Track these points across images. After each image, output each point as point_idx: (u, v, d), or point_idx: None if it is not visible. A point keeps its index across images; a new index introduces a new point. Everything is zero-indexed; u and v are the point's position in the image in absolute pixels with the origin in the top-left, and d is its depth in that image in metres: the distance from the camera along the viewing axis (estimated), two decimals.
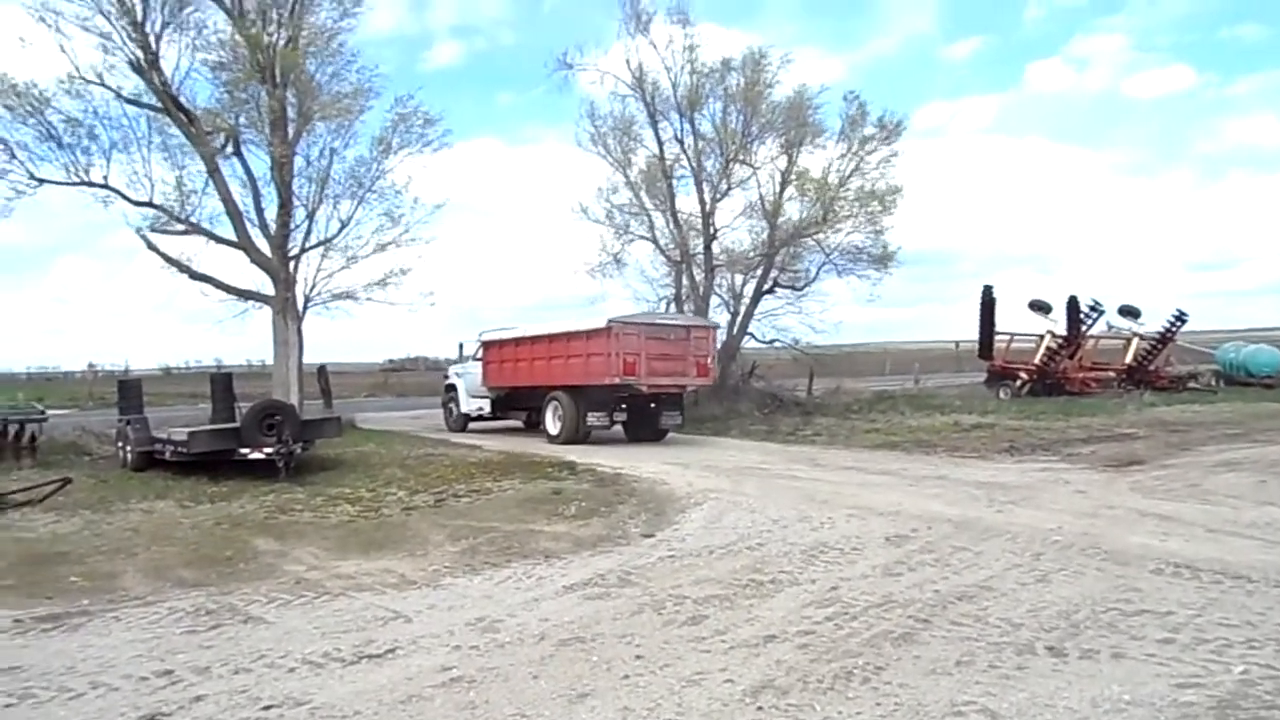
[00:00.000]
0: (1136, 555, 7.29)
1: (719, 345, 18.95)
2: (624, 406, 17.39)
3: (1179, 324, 32.21)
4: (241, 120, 19.11)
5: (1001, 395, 29.00)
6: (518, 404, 20.19)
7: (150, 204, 18.42)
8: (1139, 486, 11.14)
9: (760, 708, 4.33)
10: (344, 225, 20.15)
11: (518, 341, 19.45)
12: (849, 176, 25.12)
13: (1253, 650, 4.93)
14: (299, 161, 19.45)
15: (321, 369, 24.08)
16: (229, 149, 19.11)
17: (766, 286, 26.04)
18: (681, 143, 25.48)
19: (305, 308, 19.93)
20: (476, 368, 20.81)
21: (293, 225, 19.59)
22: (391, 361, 70.78)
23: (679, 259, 25.68)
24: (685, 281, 25.77)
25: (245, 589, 6.88)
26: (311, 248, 19.94)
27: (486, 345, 20.64)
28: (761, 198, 25.88)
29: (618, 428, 18.01)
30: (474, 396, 21.23)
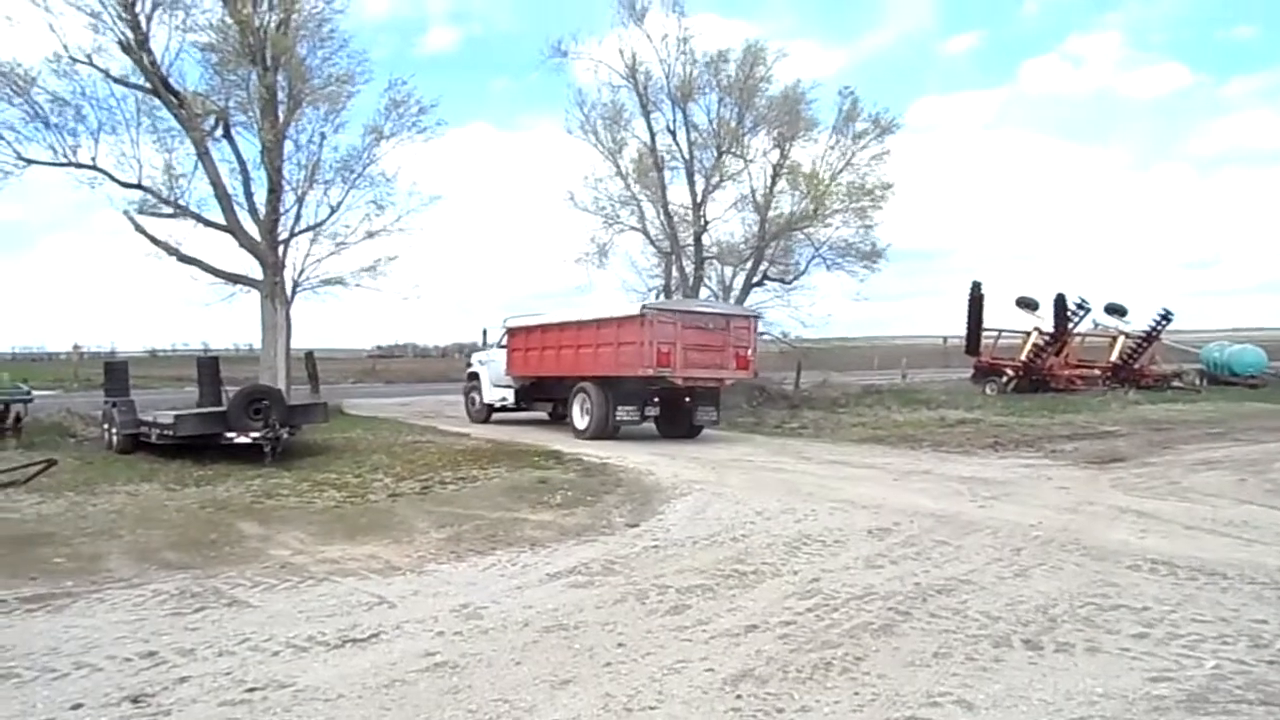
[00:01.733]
0: (1115, 551, 7.38)
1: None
2: (657, 400, 16.28)
3: (1164, 323, 32.45)
4: (231, 103, 19.04)
5: (987, 391, 29.17)
6: (543, 394, 19.11)
7: (139, 186, 18.34)
8: (1120, 483, 11.25)
9: (739, 696, 4.38)
10: (333, 211, 20.13)
11: (544, 328, 18.35)
12: (840, 171, 25.22)
13: (1225, 645, 5.01)
14: (289, 146, 19.40)
15: (309, 354, 24.03)
16: (219, 132, 19.03)
17: (756, 279, 26.11)
18: (674, 133, 25.54)
19: (294, 292, 19.90)
20: (501, 355, 19.77)
21: (282, 210, 19.53)
22: (380, 348, 70.71)
23: (669, 250, 25.73)
24: (675, 273, 25.83)
25: (230, 572, 6.90)
26: (300, 232, 19.91)
27: (511, 332, 19.51)
28: (753, 190, 25.99)
29: (648, 424, 16.85)
30: (498, 386, 20.03)
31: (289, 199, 19.64)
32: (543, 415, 19.74)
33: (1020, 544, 7.70)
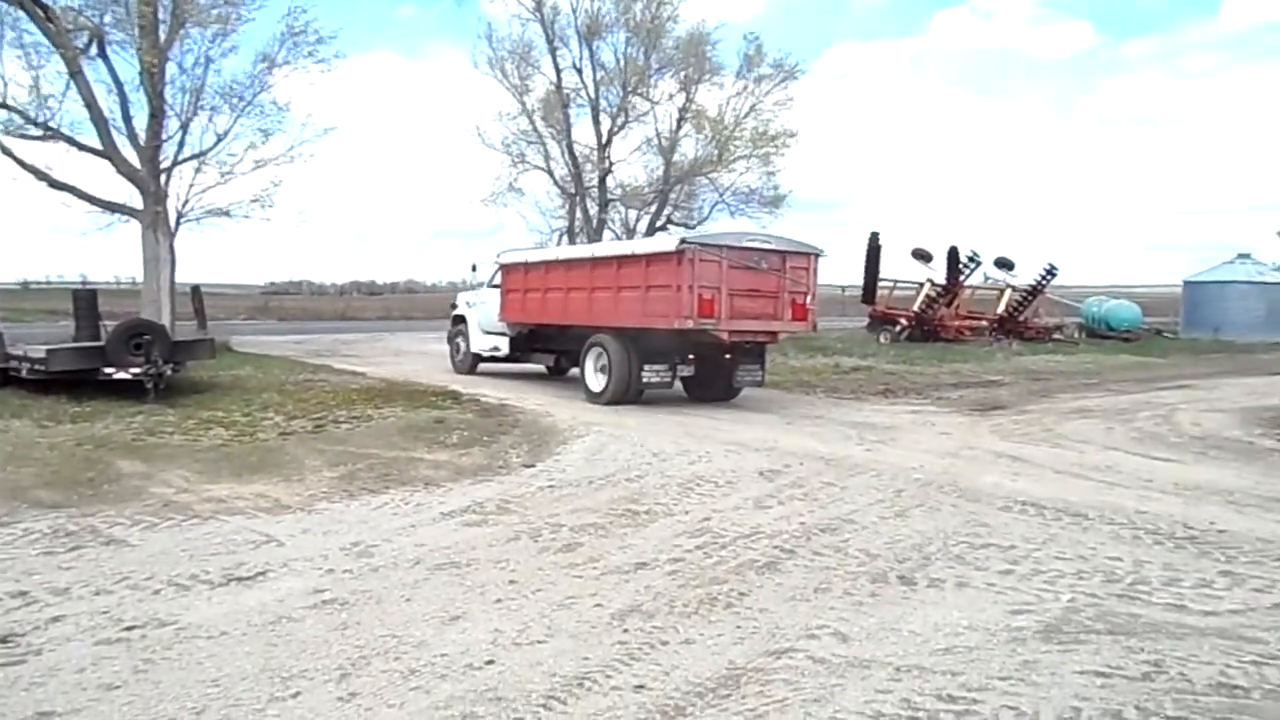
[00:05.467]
0: (988, 493, 7.76)
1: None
2: (691, 358, 13.51)
3: (1049, 277, 33.79)
4: (108, 20, 17.88)
5: (882, 340, 29.94)
6: (545, 345, 16.28)
7: (3, 105, 17.15)
8: (998, 430, 11.79)
9: (626, 630, 4.50)
10: (220, 139, 19.23)
11: (549, 266, 15.40)
12: (745, 116, 25.41)
13: (1081, 581, 5.36)
14: (172, 69, 18.38)
15: (195, 289, 23.04)
16: (93, 50, 17.86)
17: (660, 223, 26.23)
18: (580, 72, 25.31)
19: (178, 223, 19.04)
20: (493, 297, 16.73)
21: (164, 136, 18.54)
22: (273, 284, 68.39)
23: (573, 191, 25.55)
24: (579, 214, 25.70)
25: (108, 511, 6.68)
26: (184, 160, 18.97)
27: (507, 269, 16.39)
28: (658, 133, 26.04)
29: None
30: (489, 333, 17.17)
31: (172, 125, 18.67)
32: (539, 369, 17.38)
33: (902, 486, 8.03)
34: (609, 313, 13.58)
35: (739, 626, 4.57)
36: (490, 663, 4.09)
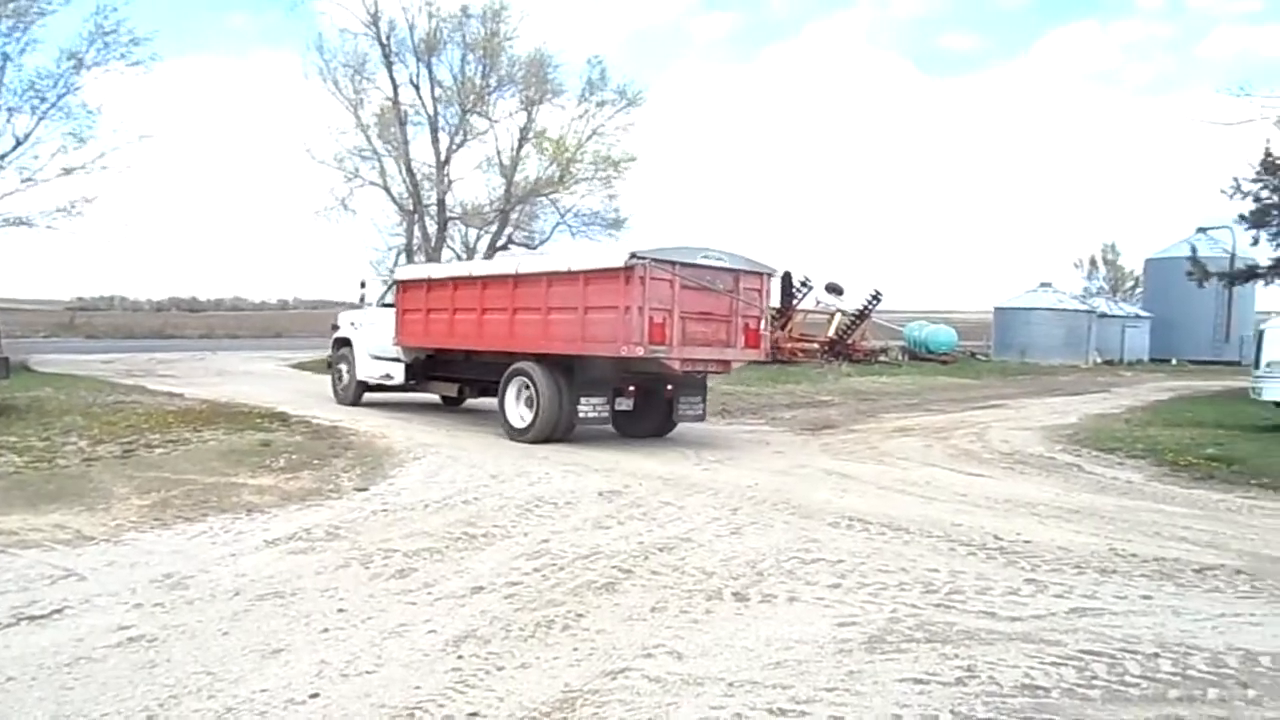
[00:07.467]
0: (819, 510, 8.03)
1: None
2: (632, 389, 11.97)
3: (875, 302, 35.53)
4: None
5: None
6: (449, 373, 14.41)
7: None
8: (828, 448, 12.27)
9: (461, 656, 4.37)
10: (20, 142, 17.82)
11: (458, 283, 13.59)
12: (587, 139, 25.60)
13: (903, 592, 5.60)
14: None
15: None
16: None
17: (501, 242, 26.05)
18: (417, 88, 24.84)
19: None
20: (384, 317, 14.94)
21: None
22: (81, 299, 63.63)
23: (412, 209, 25.03)
24: (418, 233, 25.21)
25: None
26: None
27: (404, 285, 14.62)
28: (499, 152, 25.86)
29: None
30: (379, 359, 15.09)
31: None
32: (434, 399, 15.76)
33: (737, 504, 8.20)
34: (536, 338, 12.00)
35: (576, 648, 4.53)
36: (314, 696, 3.89)
